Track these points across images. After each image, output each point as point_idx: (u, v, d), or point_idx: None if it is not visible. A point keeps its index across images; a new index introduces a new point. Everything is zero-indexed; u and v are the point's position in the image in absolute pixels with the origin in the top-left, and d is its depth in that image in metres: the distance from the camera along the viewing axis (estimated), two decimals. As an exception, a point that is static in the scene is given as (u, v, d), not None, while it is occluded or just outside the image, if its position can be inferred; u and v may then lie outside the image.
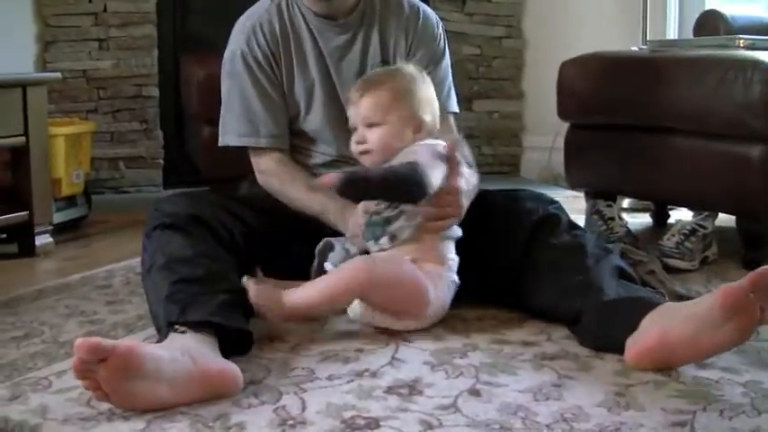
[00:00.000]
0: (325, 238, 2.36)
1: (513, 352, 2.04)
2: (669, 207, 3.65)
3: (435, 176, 2.20)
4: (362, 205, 2.29)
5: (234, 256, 2.26)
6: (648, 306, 1.99)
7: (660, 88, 3.08)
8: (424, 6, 2.70)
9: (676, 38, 4.72)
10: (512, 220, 2.37)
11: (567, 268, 2.21)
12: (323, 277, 2.15)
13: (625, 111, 3.19)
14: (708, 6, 4.57)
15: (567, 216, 2.44)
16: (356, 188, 2.17)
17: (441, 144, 2.30)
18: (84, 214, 3.76)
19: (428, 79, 2.40)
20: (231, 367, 1.82)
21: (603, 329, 2.03)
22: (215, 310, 1.97)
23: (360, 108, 2.33)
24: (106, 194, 4.48)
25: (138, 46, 4.56)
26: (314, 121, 2.61)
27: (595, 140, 3.39)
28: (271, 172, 2.59)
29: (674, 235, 2.93)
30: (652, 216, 3.66)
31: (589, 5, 5.00)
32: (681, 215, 3.51)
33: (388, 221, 2.23)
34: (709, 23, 3.93)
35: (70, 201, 3.66)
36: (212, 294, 2.02)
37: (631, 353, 1.93)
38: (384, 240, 2.23)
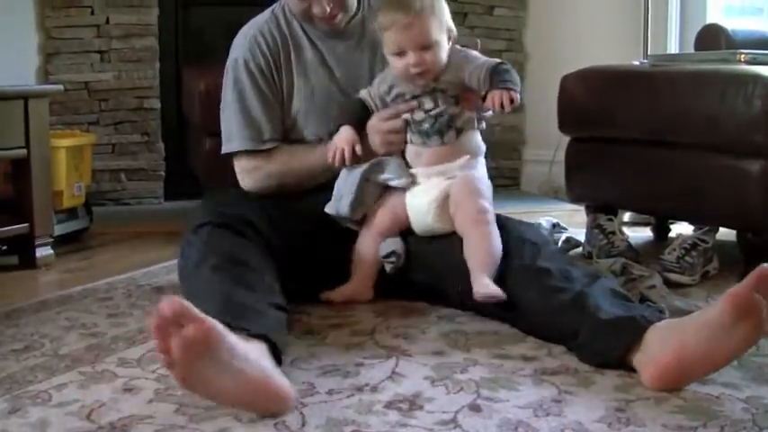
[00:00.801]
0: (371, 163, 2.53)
1: (513, 367, 2.04)
2: (670, 221, 3.65)
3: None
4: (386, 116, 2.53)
5: (274, 260, 2.33)
6: (649, 322, 1.98)
7: (661, 102, 3.08)
8: None
9: (677, 52, 4.72)
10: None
11: (559, 288, 2.19)
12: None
13: (626, 125, 3.19)
14: (709, 20, 4.57)
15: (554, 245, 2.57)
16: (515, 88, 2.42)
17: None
18: (85, 226, 3.76)
19: None
20: (289, 387, 1.81)
21: (603, 346, 2.01)
22: (272, 324, 2.00)
23: (412, 33, 2.41)
24: (107, 206, 4.48)
25: (139, 58, 4.57)
26: (311, 130, 2.68)
27: (596, 154, 3.38)
28: (265, 161, 2.66)
29: (674, 249, 2.93)
30: (653, 230, 3.65)
31: (590, 19, 5.00)
32: (682, 229, 3.51)
33: (452, 118, 2.50)
34: (711, 37, 3.93)
35: (71, 213, 3.66)
36: (267, 306, 2.06)
37: (651, 374, 1.89)
38: (451, 135, 2.50)
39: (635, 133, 3.17)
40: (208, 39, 4.80)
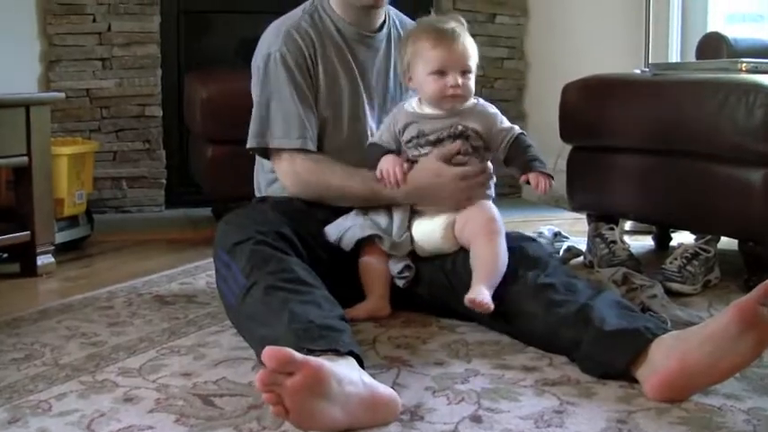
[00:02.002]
0: (363, 227, 2.52)
1: (514, 377, 2.04)
2: (671, 230, 3.65)
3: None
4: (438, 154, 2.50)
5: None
6: (653, 334, 1.97)
7: (662, 111, 3.08)
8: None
9: (679, 60, 4.72)
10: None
11: (562, 301, 2.19)
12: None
13: (627, 134, 3.19)
14: (710, 28, 4.57)
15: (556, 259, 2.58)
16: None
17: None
18: (86, 234, 3.75)
19: None
20: (394, 393, 1.83)
21: (607, 357, 2.00)
22: (351, 338, 1.99)
23: (456, 54, 2.46)
24: (109, 213, 4.48)
25: (141, 65, 4.58)
26: (337, 137, 2.66)
27: (598, 163, 3.38)
28: (306, 170, 2.59)
29: (676, 258, 2.93)
30: (654, 239, 3.65)
31: (591, 27, 5.00)
32: (683, 238, 3.50)
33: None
34: (712, 46, 3.93)
35: (72, 221, 3.66)
36: (337, 320, 2.04)
37: (652, 384, 1.89)
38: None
39: (636, 142, 3.17)
40: (209, 47, 4.82)
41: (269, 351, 1.67)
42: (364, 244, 2.53)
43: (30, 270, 3.21)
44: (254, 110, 2.65)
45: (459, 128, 2.48)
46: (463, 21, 2.52)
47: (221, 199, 3.96)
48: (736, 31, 4.22)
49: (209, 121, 3.80)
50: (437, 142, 2.49)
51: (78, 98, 4.47)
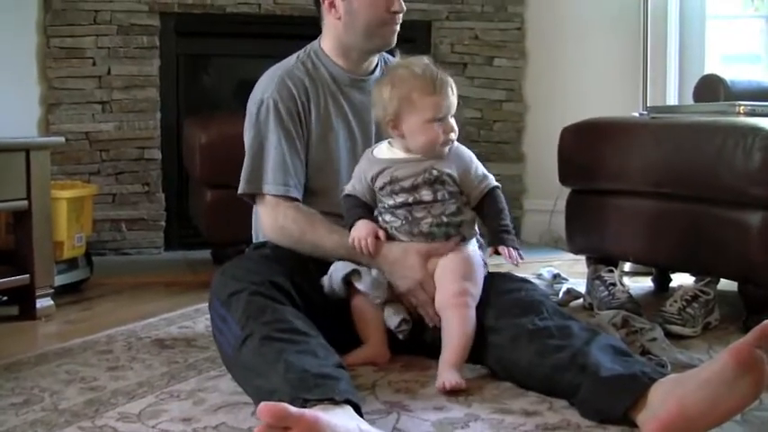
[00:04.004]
0: (346, 265, 2.49)
1: (514, 422, 2.02)
2: (671, 272, 3.65)
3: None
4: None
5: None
6: (651, 379, 1.96)
7: (661, 155, 3.09)
8: None
9: (676, 102, 4.75)
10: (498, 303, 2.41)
11: (557, 346, 2.17)
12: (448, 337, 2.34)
13: (626, 177, 3.20)
14: (707, 70, 4.61)
15: (551, 301, 2.51)
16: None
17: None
18: (85, 277, 3.75)
19: None
20: None
21: (605, 403, 1.98)
22: (348, 386, 1.98)
23: (452, 100, 2.48)
24: (108, 255, 4.48)
25: (140, 109, 4.60)
26: (333, 179, 2.67)
27: (596, 206, 3.39)
28: (290, 221, 2.60)
29: (676, 301, 2.92)
30: (654, 281, 3.65)
31: (589, 69, 5.03)
32: (682, 279, 3.50)
33: (459, 225, 2.48)
34: (709, 88, 3.97)
35: (72, 263, 3.66)
36: (334, 368, 2.04)
37: (652, 428, 1.84)
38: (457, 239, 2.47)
39: (635, 185, 3.18)
40: (208, 90, 4.85)
41: (264, 407, 1.68)
42: (352, 288, 2.51)
43: (29, 313, 3.20)
44: (246, 154, 2.69)
45: (435, 173, 2.45)
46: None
47: (220, 243, 3.98)
48: (732, 72, 4.25)
49: (208, 166, 3.81)
50: (412, 189, 2.45)
51: (78, 141, 4.49)
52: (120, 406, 2.17)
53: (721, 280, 3.15)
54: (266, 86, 2.68)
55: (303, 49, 2.79)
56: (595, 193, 3.41)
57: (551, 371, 2.15)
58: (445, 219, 2.46)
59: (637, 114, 3.71)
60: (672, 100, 4.78)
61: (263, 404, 1.69)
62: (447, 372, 2.24)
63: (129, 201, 4.60)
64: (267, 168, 2.63)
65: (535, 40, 5.19)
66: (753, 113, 3.15)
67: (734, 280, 3.06)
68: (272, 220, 2.63)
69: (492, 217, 2.50)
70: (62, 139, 3.60)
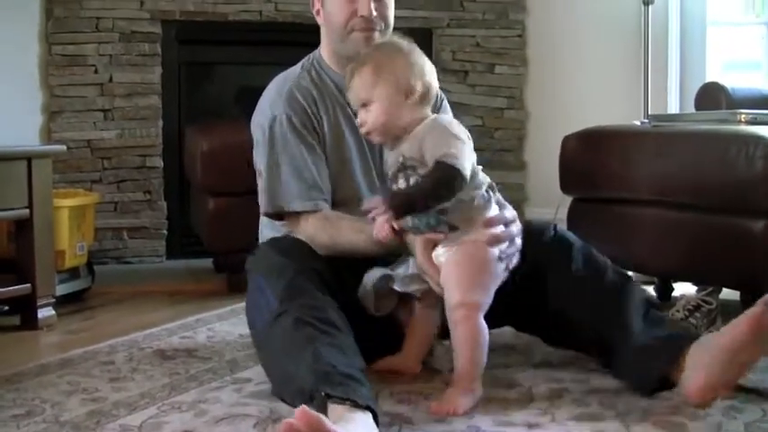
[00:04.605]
0: (379, 270, 2.40)
1: (517, 434, 2.03)
2: (673, 281, 3.64)
3: (464, 158, 2.22)
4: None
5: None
6: (682, 346, 2.17)
7: (662, 163, 3.09)
8: None
9: (678, 110, 4.75)
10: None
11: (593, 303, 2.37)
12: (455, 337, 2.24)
13: (628, 185, 3.20)
14: (708, 77, 4.60)
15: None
16: (404, 207, 2.21)
17: (443, 119, 2.37)
18: (87, 286, 3.75)
19: (415, 48, 2.40)
20: None
21: (643, 367, 2.22)
22: (371, 393, 1.99)
23: (351, 91, 2.38)
24: (109, 264, 4.48)
25: (142, 116, 4.60)
26: (351, 189, 2.62)
27: (598, 214, 3.39)
28: (319, 231, 2.51)
29: (678, 311, 2.92)
30: (656, 290, 3.64)
31: (590, 77, 5.03)
32: (685, 288, 3.50)
33: (439, 216, 2.25)
34: (710, 96, 3.96)
35: (73, 272, 3.66)
36: (359, 372, 2.04)
37: (691, 394, 2.10)
38: (444, 228, 2.25)
39: (637, 194, 3.18)
40: (210, 97, 4.84)
41: (303, 412, 1.70)
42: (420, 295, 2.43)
43: (30, 323, 3.20)
44: (263, 174, 2.61)
45: (400, 159, 2.30)
46: (387, 42, 2.48)
47: (221, 251, 3.97)
48: (733, 80, 4.25)
49: (210, 174, 3.81)
50: (393, 179, 2.34)
51: (79, 149, 4.49)
52: (122, 418, 2.17)
53: (724, 289, 3.14)
54: (275, 102, 2.62)
55: (306, 58, 2.75)
56: (597, 201, 3.41)
57: (589, 331, 2.37)
58: (428, 219, 2.27)
59: (638, 122, 3.71)
60: (673, 108, 4.78)
61: (303, 409, 1.71)
62: (451, 397, 2.18)
63: (131, 209, 4.60)
64: (289, 185, 2.56)
65: (536, 47, 5.18)
66: (754, 122, 3.15)
67: (736, 289, 3.06)
68: (305, 235, 2.53)
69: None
70: (63, 147, 3.60)
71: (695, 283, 3.28)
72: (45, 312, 3.23)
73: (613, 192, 3.29)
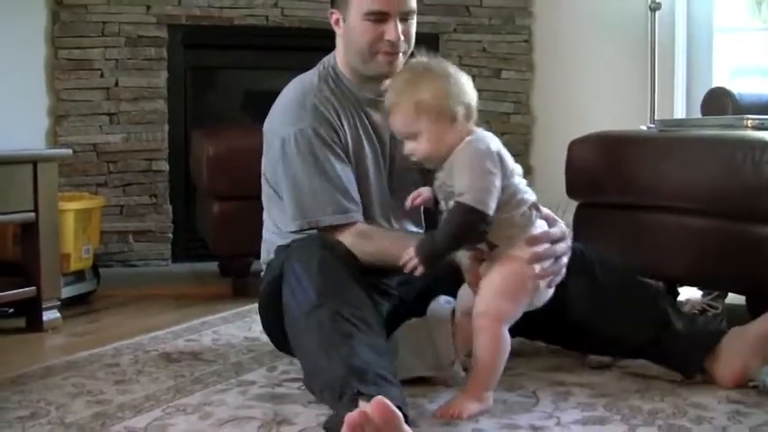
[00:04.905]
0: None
1: (522, 437, 2.03)
2: (678, 285, 3.63)
3: (488, 193, 2.18)
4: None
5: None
6: (718, 336, 2.43)
7: (669, 168, 3.08)
8: None
9: (684, 115, 4.74)
10: None
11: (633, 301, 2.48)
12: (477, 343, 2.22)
13: (634, 190, 3.19)
14: (715, 83, 4.60)
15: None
16: (433, 258, 2.18)
17: (476, 144, 2.28)
18: (92, 289, 3.76)
19: (447, 66, 2.34)
20: None
21: (686, 356, 2.42)
22: (401, 395, 1.98)
23: (393, 125, 2.34)
24: (115, 267, 4.48)
25: (148, 120, 4.60)
26: (366, 196, 2.57)
27: (604, 219, 3.37)
28: (356, 246, 2.44)
29: (684, 315, 2.91)
30: (661, 294, 3.63)
31: (596, 82, 5.03)
32: (691, 293, 3.49)
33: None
34: (717, 101, 3.95)
35: (79, 275, 3.66)
36: (392, 374, 2.04)
37: (728, 380, 2.37)
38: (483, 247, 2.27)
39: (643, 199, 3.17)
40: (216, 102, 4.85)
41: (380, 404, 1.75)
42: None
43: (36, 325, 3.20)
44: (290, 188, 2.52)
45: (437, 183, 2.31)
46: (421, 69, 2.34)
47: (227, 255, 3.97)
48: (741, 86, 4.25)
49: (216, 178, 3.80)
50: (437, 202, 2.34)
51: (85, 153, 4.49)
52: (127, 420, 2.17)
53: (729, 294, 3.14)
54: (299, 114, 2.53)
55: (320, 65, 2.67)
56: (603, 206, 3.40)
57: (629, 326, 2.45)
58: None
59: (644, 127, 3.70)
60: (679, 113, 4.78)
61: (381, 401, 1.76)
62: (461, 401, 2.18)
63: (137, 212, 4.61)
64: (321, 198, 2.48)
65: (543, 52, 5.19)
66: (761, 127, 3.14)
67: (742, 294, 3.05)
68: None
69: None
70: (69, 151, 3.60)
71: (701, 288, 3.28)
72: (50, 315, 3.23)
73: (619, 197, 3.28)
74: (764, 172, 2.78)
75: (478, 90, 2.39)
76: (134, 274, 4.44)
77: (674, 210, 3.08)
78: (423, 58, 2.38)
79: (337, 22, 2.59)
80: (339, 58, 2.64)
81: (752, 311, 2.94)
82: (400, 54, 2.54)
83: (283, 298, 2.33)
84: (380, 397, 1.74)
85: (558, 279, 2.31)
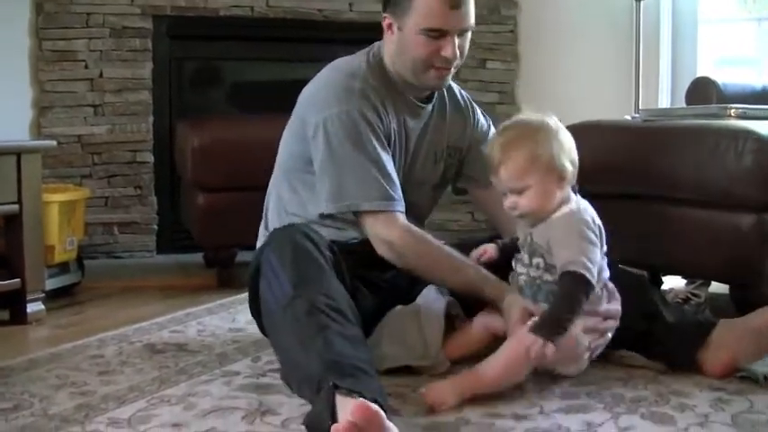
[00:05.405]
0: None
1: (504, 426, 2.03)
2: (662, 274, 3.64)
3: (593, 263, 2.22)
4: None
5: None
6: (709, 327, 2.44)
7: (652, 157, 3.09)
8: (469, 97, 2.83)
9: (669, 105, 4.75)
10: None
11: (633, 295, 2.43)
12: (498, 357, 2.20)
13: (617, 180, 3.20)
14: (699, 72, 4.61)
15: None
16: (556, 332, 2.14)
17: (581, 215, 2.34)
18: (77, 281, 3.75)
19: (560, 126, 2.37)
20: None
21: (677, 348, 2.42)
22: (381, 387, 1.97)
23: (500, 177, 2.30)
24: (100, 259, 4.47)
25: (133, 112, 4.58)
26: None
27: (588, 208, 3.38)
28: (406, 246, 2.44)
29: (667, 304, 2.92)
30: (645, 283, 3.64)
31: (581, 72, 5.03)
32: (674, 282, 3.50)
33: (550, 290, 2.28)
34: (701, 91, 3.97)
35: (63, 267, 3.65)
36: (369, 366, 2.03)
37: (717, 370, 2.37)
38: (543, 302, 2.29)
39: (627, 188, 3.18)
40: (201, 93, 4.84)
41: (361, 406, 1.74)
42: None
43: (19, 318, 3.20)
44: (329, 168, 2.47)
45: (528, 239, 2.34)
46: (534, 125, 2.34)
47: (212, 246, 3.96)
48: (725, 75, 4.26)
49: (201, 170, 3.80)
50: (521, 249, 2.38)
51: (70, 144, 4.47)
52: (111, 411, 2.16)
53: (713, 283, 3.15)
54: (348, 99, 2.48)
55: (367, 53, 2.62)
56: (587, 195, 3.39)
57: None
58: (538, 281, 2.32)
59: (629, 117, 3.71)
60: (664, 103, 4.78)
61: (362, 402, 1.75)
62: (448, 391, 2.17)
63: (122, 204, 4.59)
64: (365, 182, 2.44)
65: (528, 43, 5.19)
66: (744, 116, 3.15)
67: (725, 283, 3.06)
68: (388, 243, 2.45)
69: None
70: (53, 142, 3.58)
71: (684, 277, 3.29)
72: (34, 307, 3.22)
73: (602, 186, 3.27)
74: (747, 161, 2.79)
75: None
76: (119, 265, 4.43)
77: (658, 199, 3.09)
78: (532, 114, 2.38)
79: (390, 27, 2.56)
80: (387, 57, 2.61)
81: (735, 300, 2.95)
82: (452, 69, 2.55)
83: (260, 292, 2.35)
84: (361, 399, 1.74)
85: (599, 352, 2.37)
